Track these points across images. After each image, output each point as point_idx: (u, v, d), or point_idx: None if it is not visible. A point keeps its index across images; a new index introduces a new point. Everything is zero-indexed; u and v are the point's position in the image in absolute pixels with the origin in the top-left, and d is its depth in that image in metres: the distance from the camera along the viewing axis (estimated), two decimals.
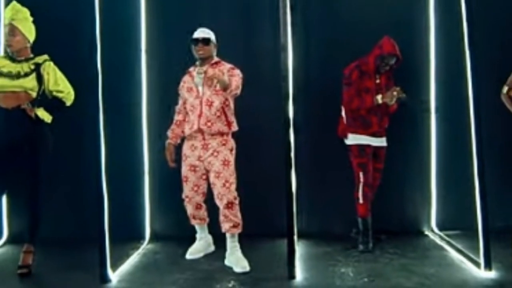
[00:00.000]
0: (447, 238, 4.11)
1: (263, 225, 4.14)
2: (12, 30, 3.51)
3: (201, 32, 3.65)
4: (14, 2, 3.57)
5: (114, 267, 3.38)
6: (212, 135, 3.59)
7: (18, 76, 3.49)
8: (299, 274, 3.31)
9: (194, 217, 3.78)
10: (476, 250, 3.33)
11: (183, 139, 3.77)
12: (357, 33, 4.29)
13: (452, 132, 4.24)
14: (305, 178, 3.96)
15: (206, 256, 3.82)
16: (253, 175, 4.07)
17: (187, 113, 3.69)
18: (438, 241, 4.15)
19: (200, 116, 3.56)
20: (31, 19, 3.60)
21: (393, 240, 4.13)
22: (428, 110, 4.38)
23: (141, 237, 4.32)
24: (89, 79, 3.20)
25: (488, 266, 3.24)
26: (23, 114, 3.46)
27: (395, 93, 3.78)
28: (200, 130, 3.58)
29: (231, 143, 3.67)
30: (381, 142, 4.03)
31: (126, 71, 4.33)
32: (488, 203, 3.24)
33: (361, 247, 3.90)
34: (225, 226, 3.54)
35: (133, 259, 3.80)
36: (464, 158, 3.45)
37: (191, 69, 3.73)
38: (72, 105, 3.69)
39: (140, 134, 4.35)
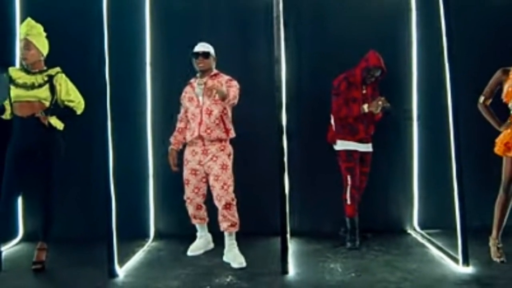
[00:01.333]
0: (428, 236, 4.12)
1: (259, 224, 4.14)
2: (27, 45, 3.52)
3: (201, 47, 3.68)
4: (29, 19, 3.57)
5: (121, 263, 3.38)
6: (212, 141, 3.60)
7: (32, 87, 3.50)
8: (292, 269, 3.32)
9: (194, 217, 3.79)
10: (455, 247, 3.34)
11: (184, 145, 3.78)
12: (345, 47, 4.30)
13: (433, 138, 4.25)
14: (297, 181, 3.96)
15: (206, 253, 3.82)
16: (249, 178, 4.07)
17: (188, 121, 3.71)
18: (419, 239, 4.16)
19: (200, 123, 3.58)
20: (44, 34, 3.61)
21: (378, 238, 4.14)
22: (410, 118, 4.39)
23: (146, 235, 4.32)
24: (98, 89, 3.22)
25: (466, 262, 3.25)
26: (37, 122, 3.47)
27: (380, 102, 3.79)
28: (200, 137, 3.59)
29: (229, 148, 3.68)
30: (367, 147, 4.05)
31: (132, 82, 4.33)
32: (466, 204, 3.25)
33: (348, 244, 3.90)
34: (223, 225, 3.55)
35: (139, 255, 3.80)
36: (444, 162, 3.45)
37: (192, 80, 3.75)
38: (82, 113, 3.69)
39: (145, 140, 4.35)
